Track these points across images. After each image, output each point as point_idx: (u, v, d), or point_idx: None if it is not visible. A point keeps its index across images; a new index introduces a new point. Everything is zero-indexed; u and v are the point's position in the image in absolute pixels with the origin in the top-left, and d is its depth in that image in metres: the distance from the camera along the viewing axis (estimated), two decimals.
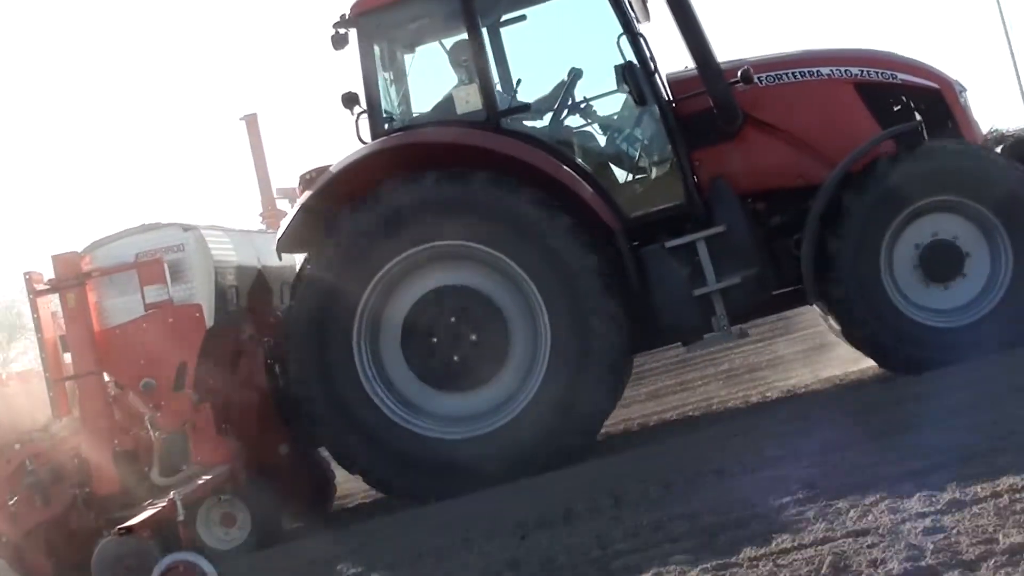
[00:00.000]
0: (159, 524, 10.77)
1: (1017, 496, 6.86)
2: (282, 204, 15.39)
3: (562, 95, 12.76)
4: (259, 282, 13.01)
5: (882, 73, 12.79)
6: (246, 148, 15.41)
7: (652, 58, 12.33)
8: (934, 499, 7.17)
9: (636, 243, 12.11)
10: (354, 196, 11.78)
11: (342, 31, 12.43)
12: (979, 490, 7.13)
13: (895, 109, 12.75)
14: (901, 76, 12.80)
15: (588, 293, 11.65)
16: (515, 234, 11.68)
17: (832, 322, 14.38)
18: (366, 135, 12.34)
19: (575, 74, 12.81)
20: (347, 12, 12.44)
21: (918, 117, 12.67)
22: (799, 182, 12.56)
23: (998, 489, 7.06)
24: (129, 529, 9.46)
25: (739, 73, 12.22)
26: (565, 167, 11.97)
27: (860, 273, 11.89)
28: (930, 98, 12.77)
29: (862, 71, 12.78)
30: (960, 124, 12.71)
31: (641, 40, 12.33)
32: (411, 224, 11.70)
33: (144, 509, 9.99)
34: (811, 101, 12.64)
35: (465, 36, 12.63)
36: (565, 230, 11.67)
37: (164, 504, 9.86)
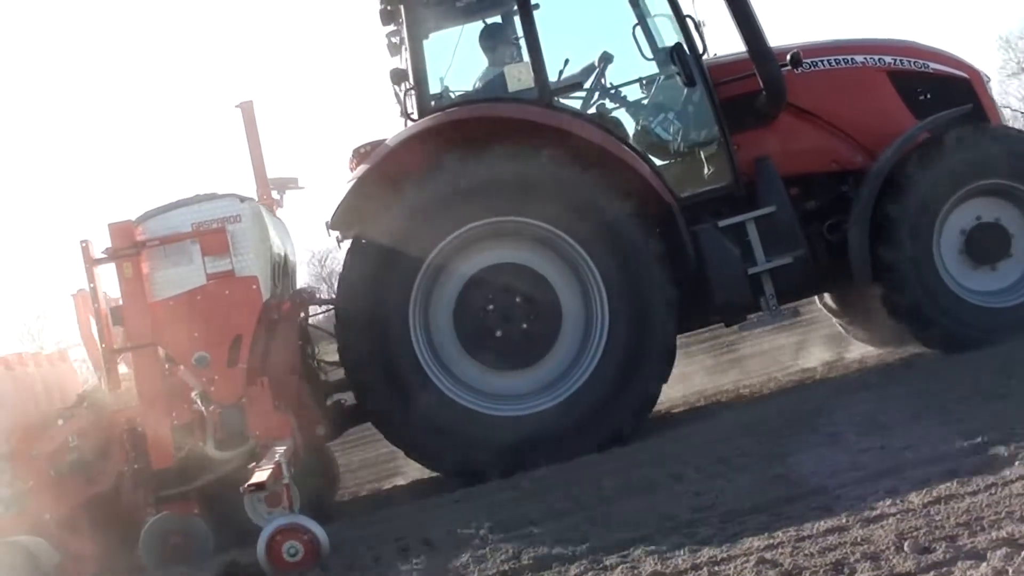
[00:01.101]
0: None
1: (716, 569, 6.88)
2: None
3: (595, 77, 12.78)
4: (282, 264, 12.80)
5: (914, 62, 13.05)
6: (241, 136, 14.99)
7: (702, 40, 12.39)
8: (636, 571, 7.17)
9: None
10: (414, 168, 11.62)
11: (390, 7, 12.30)
12: (679, 562, 7.14)
13: (926, 97, 12.95)
14: (932, 65, 13.08)
15: (645, 265, 11.65)
16: (574, 210, 11.63)
17: (837, 315, 14.59)
18: (412, 111, 12.26)
19: (607, 58, 12.83)
20: None
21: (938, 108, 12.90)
22: (833, 167, 12.77)
23: (698, 561, 7.08)
24: (260, 486, 9.20)
25: (788, 56, 12.36)
26: (624, 146, 11.97)
27: (915, 243, 12.07)
28: (960, 87, 13.04)
29: (895, 60, 13.01)
30: (989, 112, 12.99)
31: (689, 22, 12.38)
32: (475, 198, 11.60)
33: (252, 472, 9.71)
34: (846, 88, 12.84)
35: (497, 19, 12.68)
36: (623, 205, 11.65)
37: (273, 466, 9.60)
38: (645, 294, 11.65)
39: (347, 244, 12.87)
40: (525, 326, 11.83)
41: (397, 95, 13.32)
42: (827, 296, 14.62)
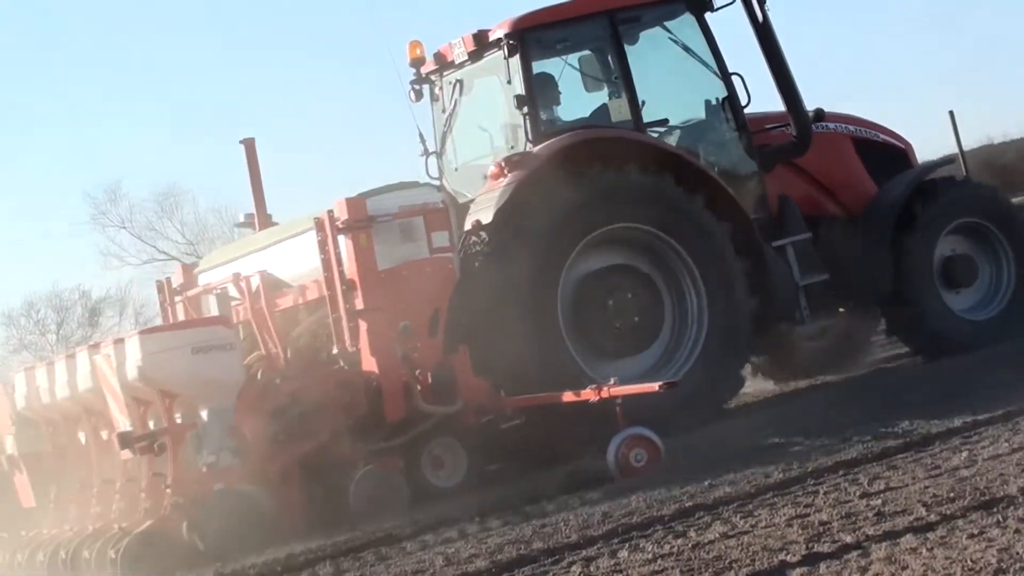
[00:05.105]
0: None
1: None
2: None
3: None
4: None
5: (868, 131, 16.12)
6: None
7: (747, 92, 14.90)
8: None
9: None
10: (561, 176, 13.42)
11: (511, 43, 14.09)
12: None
13: (877, 161, 15.96)
14: (881, 136, 16.19)
15: (736, 268, 14.00)
16: (679, 220, 13.84)
17: None
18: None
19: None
20: (505, 27, 14.17)
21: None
22: (811, 212, 15.48)
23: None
24: (674, 384, 10.86)
25: (813, 111, 15.09)
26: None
27: (921, 267, 14.96)
28: (899, 154, 16.22)
29: (856, 129, 16.04)
30: None
31: (736, 79, 14.87)
32: (612, 205, 13.59)
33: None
34: (822, 148, 15.60)
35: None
36: (723, 225, 14.00)
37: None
38: (734, 303, 13.97)
39: None
40: (636, 319, 13.79)
41: (421, 136, 15.15)
42: None
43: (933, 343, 15.18)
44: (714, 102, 14.97)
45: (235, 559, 10.94)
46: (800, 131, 15.04)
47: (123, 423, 11.90)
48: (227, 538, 11.45)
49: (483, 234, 13.25)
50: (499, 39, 14.22)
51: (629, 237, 13.90)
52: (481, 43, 14.49)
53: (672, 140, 14.74)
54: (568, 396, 11.80)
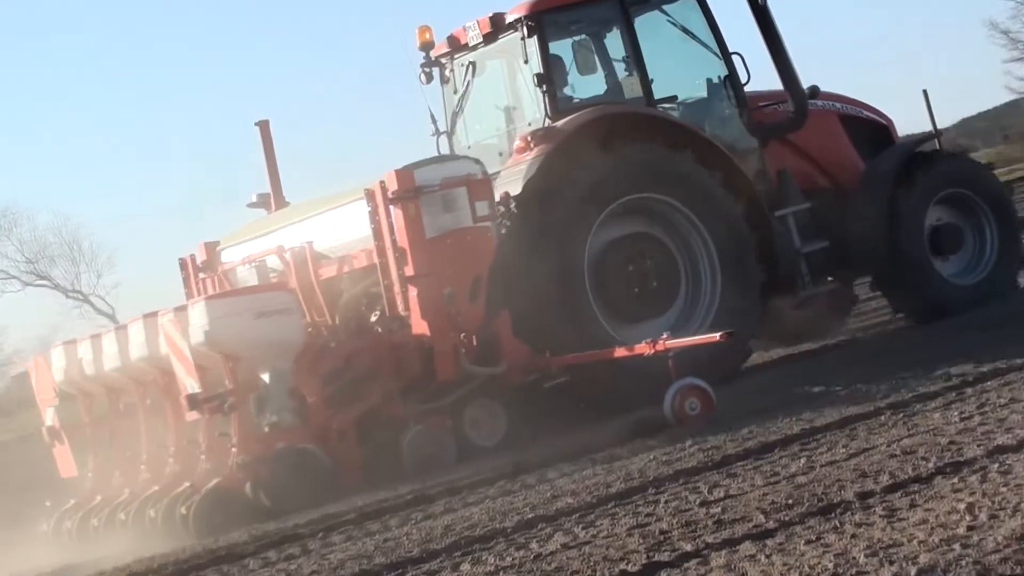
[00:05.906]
0: None
1: None
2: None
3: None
4: None
5: (853, 109, 16.98)
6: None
7: (746, 70, 15.71)
8: None
9: None
10: (587, 149, 14.12)
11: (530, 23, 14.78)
12: None
13: (861, 138, 16.83)
14: (865, 113, 17.06)
15: (746, 236, 14.76)
16: (694, 191, 14.60)
17: None
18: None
19: None
20: (522, 9, 14.84)
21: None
22: (804, 185, 16.29)
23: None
24: (731, 334, 11.55)
25: (808, 88, 15.92)
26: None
27: (915, 234, 15.81)
28: (881, 131, 17.09)
29: (842, 106, 16.89)
30: None
31: (736, 58, 15.66)
32: (633, 176, 14.34)
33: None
34: (812, 124, 16.41)
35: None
36: (726, 191, 14.74)
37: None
38: (744, 271, 14.74)
39: None
40: (654, 284, 14.52)
41: (433, 116, 15.83)
42: None
43: (926, 307, 15.99)
44: (715, 80, 15.74)
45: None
46: (797, 107, 15.85)
47: (191, 385, 12.40)
48: (291, 494, 12.06)
49: (511, 205, 13.87)
50: (516, 21, 14.91)
51: (646, 207, 14.61)
52: (497, 25, 15.17)
53: (678, 116, 15.47)
54: (621, 351, 12.49)
